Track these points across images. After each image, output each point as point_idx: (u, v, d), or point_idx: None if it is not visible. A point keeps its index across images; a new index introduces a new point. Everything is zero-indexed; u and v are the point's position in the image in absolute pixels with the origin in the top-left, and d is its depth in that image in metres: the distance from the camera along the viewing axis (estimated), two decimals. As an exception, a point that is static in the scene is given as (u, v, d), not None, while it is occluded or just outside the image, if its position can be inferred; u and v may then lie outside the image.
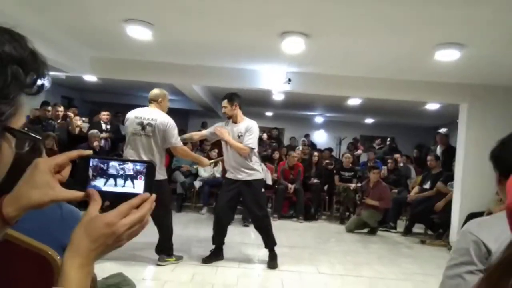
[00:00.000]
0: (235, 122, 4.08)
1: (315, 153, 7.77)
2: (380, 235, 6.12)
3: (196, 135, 4.43)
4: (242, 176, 3.99)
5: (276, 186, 6.92)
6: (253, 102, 9.95)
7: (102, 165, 0.74)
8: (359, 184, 6.86)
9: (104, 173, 0.74)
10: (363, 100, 7.78)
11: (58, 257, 1.11)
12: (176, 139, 3.78)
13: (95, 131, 6.78)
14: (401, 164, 7.99)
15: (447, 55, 4.04)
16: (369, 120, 12.50)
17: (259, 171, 4.09)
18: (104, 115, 7.67)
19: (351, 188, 6.84)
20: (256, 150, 4.06)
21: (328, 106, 10.17)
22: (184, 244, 4.48)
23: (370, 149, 9.54)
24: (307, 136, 11.48)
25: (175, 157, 7.16)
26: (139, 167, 0.75)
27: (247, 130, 3.98)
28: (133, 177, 0.75)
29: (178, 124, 3.91)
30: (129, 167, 0.75)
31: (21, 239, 1.13)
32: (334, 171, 7.37)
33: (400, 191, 7.00)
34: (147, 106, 3.94)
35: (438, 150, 7.06)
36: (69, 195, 0.71)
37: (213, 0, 3.23)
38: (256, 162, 4.07)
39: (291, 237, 5.44)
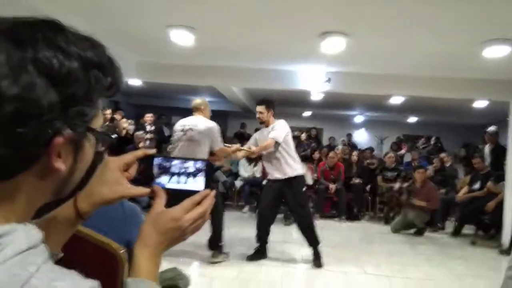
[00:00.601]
0: (267, 126, 4.15)
1: (354, 153, 7.63)
2: (428, 236, 5.93)
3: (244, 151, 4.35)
4: (281, 175, 4.02)
5: (317, 186, 6.88)
6: (290, 103, 9.93)
7: (165, 164, 0.79)
8: (404, 185, 6.69)
9: (167, 171, 0.79)
10: (405, 99, 7.58)
11: (122, 251, 1.18)
12: (220, 143, 3.92)
13: (140, 132, 7.03)
14: (448, 164, 7.70)
15: (496, 52, 3.89)
16: (412, 119, 12.13)
17: (295, 168, 4.06)
18: (148, 117, 7.95)
19: (395, 188, 6.68)
20: (291, 146, 4.08)
21: (368, 105, 9.98)
22: (228, 242, 4.52)
23: (414, 148, 9.26)
24: (349, 135, 11.32)
25: (216, 157, 7.33)
26: (199, 165, 0.80)
27: (272, 129, 4.06)
28: (193, 175, 0.79)
29: (218, 125, 4.02)
30: (190, 165, 0.79)
31: (88, 234, 1.20)
32: (377, 171, 7.22)
33: (447, 191, 6.76)
34: (190, 109, 4.13)
35: (487, 149, 6.75)
36: (136, 191, 0.76)
37: (252, 3, 3.28)
38: (289, 157, 4.04)
39: (334, 237, 5.38)
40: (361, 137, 12.93)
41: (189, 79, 6.04)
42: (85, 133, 0.57)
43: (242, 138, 9.30)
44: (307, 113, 12.32)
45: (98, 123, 0.60)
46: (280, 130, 4.02)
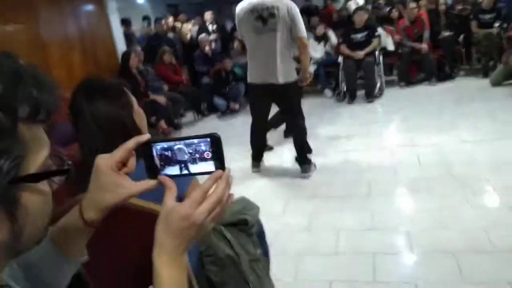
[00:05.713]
0: None
1: (442, 1, 6.46)
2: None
3: None
4: None
5: (400, 51, 6.19)
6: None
7: (166, 148, 0.67)
8: (505, 25, 5.66)
9: (171, 157, 0.68)
10: None
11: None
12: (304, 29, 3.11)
13: (203, 35, 6.81)
14: None
15: None
16: None
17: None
18: (208, 15, 7.61)
19: (494, 33, 5.70)
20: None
21: None
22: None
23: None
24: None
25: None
26: (203, 142, 0.66)
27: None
28: (202, 154, 0.66)
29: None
30: (194, 144, 0.66)
31: (141, 205, 1.15)
32: (471, 17, 6.16)
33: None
34: None
35: None
36: (141, 187, 0.68)
37: None
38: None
39: (424, 106, 4.96)
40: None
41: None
42: (8, 189, 0.44)
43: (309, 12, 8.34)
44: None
45: (37, 160, 0.48)
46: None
